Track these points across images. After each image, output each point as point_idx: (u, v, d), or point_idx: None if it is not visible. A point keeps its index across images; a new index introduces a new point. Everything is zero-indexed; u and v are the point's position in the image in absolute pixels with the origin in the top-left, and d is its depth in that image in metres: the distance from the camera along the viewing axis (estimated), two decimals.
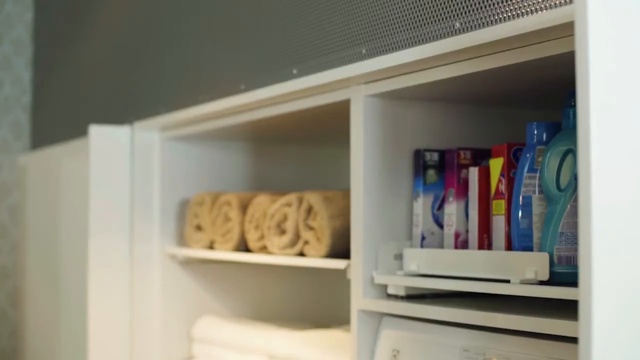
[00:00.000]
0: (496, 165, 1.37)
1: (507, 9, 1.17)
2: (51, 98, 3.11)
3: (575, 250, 1.20)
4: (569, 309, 1.11)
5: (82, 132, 2.35)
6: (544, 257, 1.21)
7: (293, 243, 1.78)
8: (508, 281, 1.23)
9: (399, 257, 1.48)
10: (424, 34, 1.33)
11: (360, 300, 1.48)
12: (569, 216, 1.22)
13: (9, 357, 3.17)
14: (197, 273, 2.24)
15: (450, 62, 1.30)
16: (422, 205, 1.49)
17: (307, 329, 2.05)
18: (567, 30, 1.07)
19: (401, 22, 1.38)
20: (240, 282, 2.29)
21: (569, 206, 1.22)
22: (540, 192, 1.28)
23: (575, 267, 1.19)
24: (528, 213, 1.29)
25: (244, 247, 1.99)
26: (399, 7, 1.38)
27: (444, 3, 1.29)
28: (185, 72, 2.09)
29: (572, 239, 1.22)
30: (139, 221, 2.20)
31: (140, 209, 2.20)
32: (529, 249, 1.29)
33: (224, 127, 1.97)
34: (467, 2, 1.25)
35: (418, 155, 1.50)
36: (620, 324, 0.91)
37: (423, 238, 1.49)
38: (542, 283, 1.20)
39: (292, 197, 1.80)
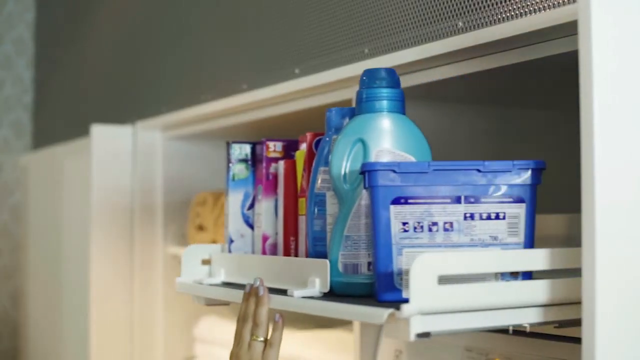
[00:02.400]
0: (301, 157, 1.20)
1: (510, 8, 1.17)
2: (53, 97, 3.11)
3: (362, 257, 1.03)
4: None
5: (83, 131, 2.35)
6: (324, 265, 1.03)
7: None
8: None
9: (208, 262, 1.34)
10: (427, 34, 1.32)
11: None
12: (357, 218, 1.03)
13: (10, 357, 3.17)
14: None
15: (452, 61, 1.29)
16: (230, 204, 1.31)
17: (310, 328, 2.04)
18: (570, 29, 1.06)
19: (403, 21, 1.37)
20: None
21: (355, 206, 1.04)
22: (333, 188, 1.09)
23: (362, 277, 1.03)
24: (322, 213, 1.10)
25: None
26: (401, 7, 1.38)
27: (447, 2, 1.29)
28: (187, 71, 2.09)
29: (360, 244, 1.03)
30: (140, 221, 2.20)
31: (142, 208, 2.20)
32: (323, 255, 1.10)
33: (225, 127, 1.96)
34: (470, 1, 1.24)
35: (227, 148, 1.32)
36: (623, 324, 0.91)
37: (231, 241, 1.31)
38: (327, 295, 1.05)
39: None
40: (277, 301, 1.08)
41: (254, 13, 1.82)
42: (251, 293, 1.37)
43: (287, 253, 1.22)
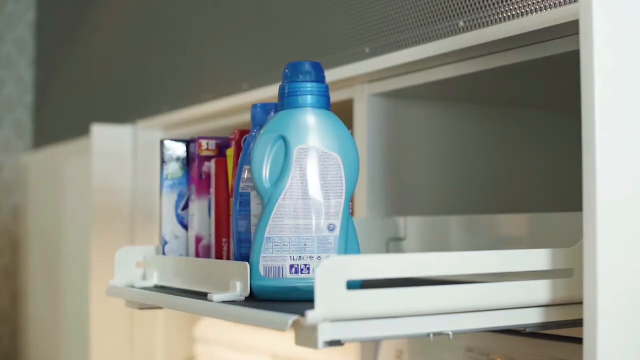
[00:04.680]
0: (231, 156, 1.16)
1: (511, 8, 1.17)
2: (53, 97, 3.11)
3: (284, 260, 1.00)
4: None
5: (84, 131, 2.35)
6: (244, 268, 0.99)
7: None
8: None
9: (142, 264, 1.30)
10: (428, 33, 1.32)
11: None
12: (278, 218, 1.00)
13: (11, 358, 3.17)
14: None
15: (454, 61, 1.29)
16: (164, 205, 1.28)
17: None
18: (571, 29, 1.06)
19: (405, 21, 1.37)
20: None
21: (276, 205, 1.00)
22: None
23: (284, 280, 1.00)
24: (246, 213, 1.07)
25: None
26: (403, 6, 1.38)
27: (448, 2, 1.28)
28: (188, 71, 2.09)
29: (281, 246, 0.99)
30: (141, 221, 2.20)
31: (143, 208, 2.20)
32: (248, 257, 1.05)
33: (226, 127, 1.96)
34: (471, 1, 1.24)
35: (161, 146, 1.28)
36: (625, 324, 0.90)
37: (165, 243, 1.28)
38: (248, 299, 1.00)
39: None
40: (197, 306, 1.03)
41: (255, 12, 1.82)
42: None
43: (219, 255, 1.18)
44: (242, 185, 1.07)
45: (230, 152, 1.15)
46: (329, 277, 0.83)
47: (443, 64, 1.31)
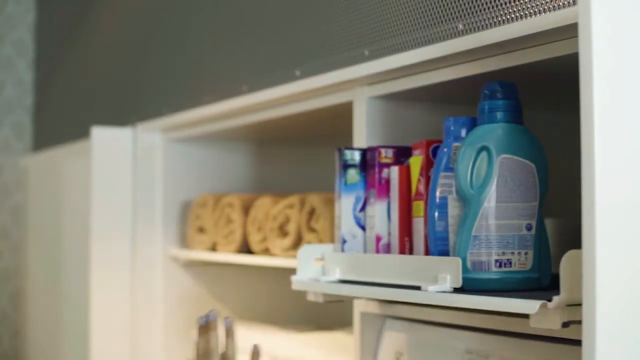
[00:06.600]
0: (416, 163, 1.29)
1: (510, 10, 1.17)
2: (53, 99, 3.11)
3: (490, 255, 1.14)
4: None
5: (84, 133, 2.35)
6: (457, 262, 1.13)
7: (295, 245, 1.78)
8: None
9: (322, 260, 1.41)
10: (427, 36, 1.32)
11: (362, 302, 1.48)
12: (483, 219, 1.14)
13: (11, 358, 3.17)
14: (200, 275, 2.24)
15: (453, 63, 1.30)
16: (343, 207, 1.40)
17: (310, 331, 2.04)
18: (570, 32, 1.07)
19: (404, 23, 1.37)
20: (243, 284, 2.29)
21: (482, 208, 1.14)
22: (456, 192, 1.20)
23: (490, 273, 1.14)
24: (444, 215, 1.21)
25: (246, 249, 1.99)
26: (402, 9, 1.38)
27: (447, 5, 1.29)
28: (188, 73, 2.09)
29: (487, 243, 1.14)
30: (141, 223, 2.20)
31: (143, 210, 2.20)
32: (446, 253, 1.21)
33: (226, 129, 1.96)
34: (470, 3, 1.24)
35: (339, 154, 1.41)
36: (624, 325, 0.91)
37: (344, 241, 1.40)
38: (456, 290, 1.14)
39: (294, 199, 1.80)
40: (411, 296, 1.18)
41: (255, 15, 1.82)
42: (209, 327, 1.35)
43: (401, 252, 1.32)
44: (439, 189, 1.21)
45: (415, 160, 1.28)
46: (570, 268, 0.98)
47: (442, 66, 1.32)
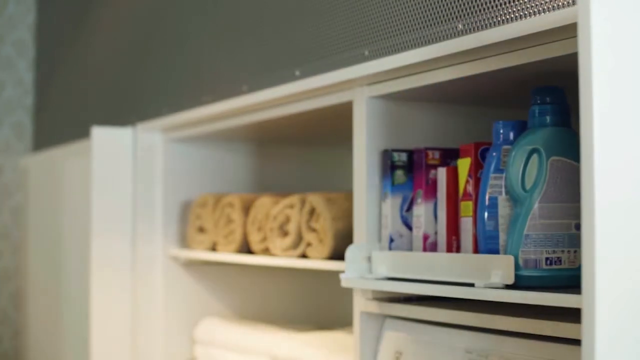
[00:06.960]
0: (464, 165, 1.34)
1: (509, 10, 1.17)
2: (53, 99, 3.11)
3: (541, 253, 1.19)
4: (567, 312, 1.11)
5: (84, 133, 2.35)
6: (509, 260, 1.18)
7: (295, 245, 1.78)
8: (473, 285, 1.21)
9: (369, 259, 1.45)
10: (427, 36, 1.32)
11: (362, 302, 1.48)
12: (535, 218, 1.19)
13: (11, 358, 3.17)
14: (200, 275, 2.24)
15: (453, 63, 1.30)
16: (390, 207, 1.45)
17: (310, 330, 2.04)
18: (570, 31, 1.07)
19: (404, 23, 1.37)
20: (243, 284, 2.29)
21: (534, 207, 1.19)
22: (507, 193, 1.25)
23: (541, 270, 1.19)
24: (494, 214, 1.26)
25: (246, 248, 1.99)
26: (402, 9, 1.38)
27: (447, 5, 1.29)
28: (188, 73, 2.09)
29: (538, 241, 1.19)
30: (141, 223, 2.20)
31: (143, 210, 2.20)
32: (495, 251, 1.26)
33: (226, 129, 1.96)
34: (470, 3, 1.24)
35: (386, 155, 1.47)
36: (623, 325, 0.91)
37: (391, 240, 1.45)
38: (508, 287, 1.18)
39: (294, 199, 1.80)
40: (464, 292, 1.21)
41: (254, 15, 1.82)
42: None
43: (449, 251, 1.36)
44: (489, 190, 1.26)
45: (463, 162, 1.34)
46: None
47: (442, 66, 1.32)
